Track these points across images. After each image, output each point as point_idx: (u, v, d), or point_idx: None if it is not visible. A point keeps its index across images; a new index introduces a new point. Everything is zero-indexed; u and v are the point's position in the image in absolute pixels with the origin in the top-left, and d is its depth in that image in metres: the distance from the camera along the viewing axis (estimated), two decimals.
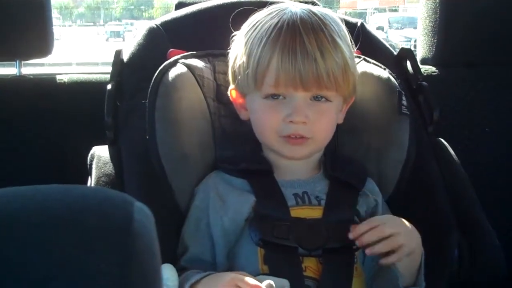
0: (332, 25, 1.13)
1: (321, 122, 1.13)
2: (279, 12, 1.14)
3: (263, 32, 1.11)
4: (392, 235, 1.04)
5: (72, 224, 0.45)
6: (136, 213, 0.47)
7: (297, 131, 1.11)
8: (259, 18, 1.15)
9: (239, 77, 1.15)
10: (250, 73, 1.12)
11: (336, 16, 1.19)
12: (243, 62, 1.13)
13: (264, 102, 1.13)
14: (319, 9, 1.16)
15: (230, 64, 1.19)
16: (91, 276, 0.43)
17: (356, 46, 1.21)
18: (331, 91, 1.12)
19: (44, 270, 0.42)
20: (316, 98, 1.12)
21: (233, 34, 1.20)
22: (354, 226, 1.07)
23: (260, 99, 1.13)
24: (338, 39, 1.12)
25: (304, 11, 1.13)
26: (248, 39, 1.14)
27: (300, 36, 1.09)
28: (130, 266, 0.45)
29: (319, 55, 1.08)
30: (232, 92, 1.21)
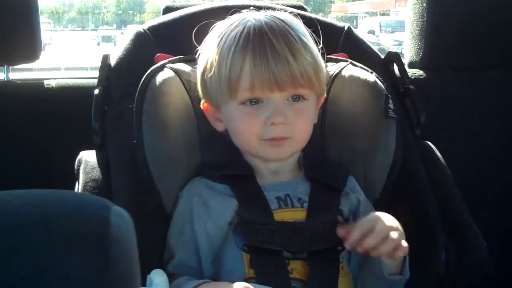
0: (296, 26, 1.14)
1: (300, 122, 1.14)
2: (241, 20, 1.14)
3: (230, 40, 1.11)
4: (389, 235, 1.03)
5: (48, 229, 0.44)
6: (113, 217, 0.47)
7: (278, 133, 1.12)
8: (223, 29, 1.15)
9: (212, 89, 1.15)
10: (223, 82, 1.12)
11: (297, 19, 1.19)
12: (214, 73, 1.13)
13: (241, 108, 1.13)
14: (281, 14, 1.17)
15: (199, 78, 1.19)
16: (68, 281, 0.43)
17: (338, 50, 1.21)
18: (306, 89, 1.13)
19: (20, 276, 0.42)
20: (294, 98, 1.13)
21: (197, 49, 1.20)
22: (342, 230, 1.06)
23: (237, 107, 1.13)
24: (304, 39, 1.13)
25: (267, 16, 1.14)
26: (215, 50, 1.13)
27: (268, 39, 1.10)
28: (106, 270, 0.44)
29: (290, 55, 1.09)
30: (204, 106, 1.20)
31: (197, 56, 1.20)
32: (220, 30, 1.15)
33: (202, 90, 1.18)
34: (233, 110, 1.14)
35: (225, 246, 1.10)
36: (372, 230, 1.03)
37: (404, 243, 1.04)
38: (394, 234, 1.03)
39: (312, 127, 1.19)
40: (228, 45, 1.11)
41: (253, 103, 1.12)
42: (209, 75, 1.14)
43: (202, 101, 1.20)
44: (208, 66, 1.14)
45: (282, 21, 1.13)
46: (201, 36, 1.21)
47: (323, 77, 1.17)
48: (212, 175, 1.17)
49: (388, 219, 1.07)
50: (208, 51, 1.16)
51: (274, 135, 1.12)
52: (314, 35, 1.18)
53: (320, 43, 1.18)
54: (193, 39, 1.21)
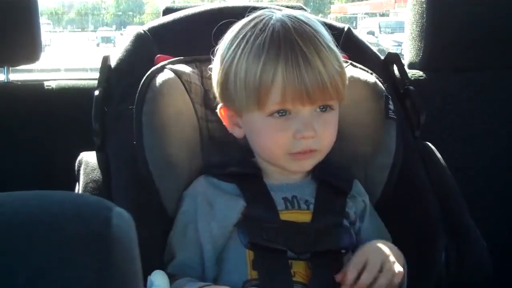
0: (321, 31, 1.12)
1: (328, 133, 1.12)
2: (265, 22, 1.10)
3: (257, 47, 1.07)
4: (383, 266, 1.03)
5: (50, 230, 0.45)
6: (115, 218, 0.47)
7: (308, 146, 1.10)
8: (245, 31, 1.10)
9: (235, 96, 1.11)
10: (251, 92, 1.07)
11: (318, 20, 1.17)
12: (240, 80, 1.08)
13: (269, 120, 1.09)
14: (304, 15, 1.14)
15: (216, 80, 1.15)
16: (69, 282, 0.43)
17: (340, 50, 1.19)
18: (334, 99, 1.11)
19: (22, 277, 0.42)
20: (321, 108, 1.11)
21: (214, 48, 1.16)
22: (339, 275, 1.04)
23: (263, 118, 1.09)
24: (331, 45, 1.11)
25: (291, 19, 1.10)
26: (239, 54, 1.09)
27: (299, 47, 1.06)
28: (108, 271, 0.45)
29: (321, 64, 1.06)
30: (221, 111, 1.17)
31: (214, 55, 1.17)
32: (242, 32, 1.11)
33: (222, 95, 1.15)
34: (259, 122, 1.10)
35: (228, 246, 1.10)
36: (366, 265, 1.03)
37: (399, 269, 1.04)
38: (388, 264, 1.03)
39: (336, 136, 1.16)
40: (255, 52, 1.07)
41: (281, 114, 1.09)
42: (232, 81, 1.10)
43: (220, 105, 1.17)
44: (232, 71, 1.10)
45: (309, 25, 1.09)
46: (207, 38, 1.21)
47: (346, 84, 1.14)
48: (219, 173, 1.16)
49: (381, 247, 1.06)
50: (230, 53, 1.11)
51: (303, 148, 1.10)
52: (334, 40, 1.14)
53: (342, 50, 1.16)
54: (212, 38, 1.18)
